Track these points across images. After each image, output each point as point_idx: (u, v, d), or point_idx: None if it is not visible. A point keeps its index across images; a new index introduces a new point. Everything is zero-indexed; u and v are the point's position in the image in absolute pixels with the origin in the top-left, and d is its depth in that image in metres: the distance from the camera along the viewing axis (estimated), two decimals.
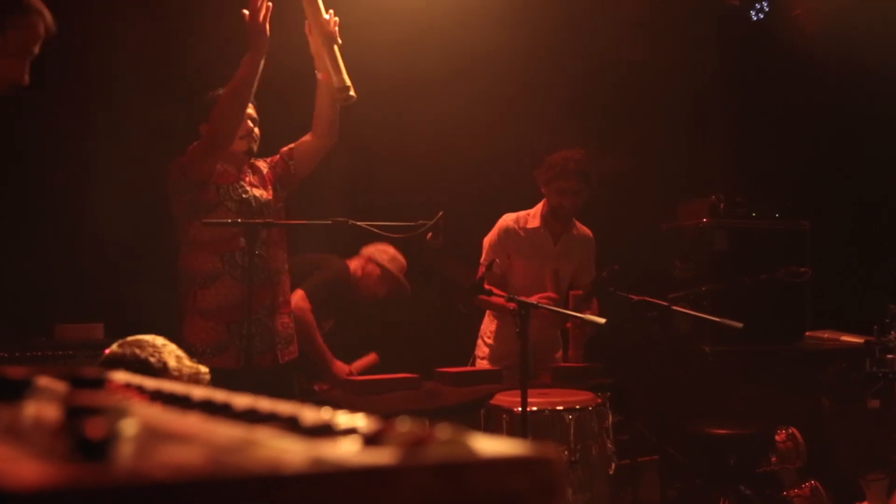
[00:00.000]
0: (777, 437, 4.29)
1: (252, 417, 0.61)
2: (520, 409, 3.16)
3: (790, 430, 4.37)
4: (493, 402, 3.39)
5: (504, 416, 3.28)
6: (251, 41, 3.13)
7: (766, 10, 5.70)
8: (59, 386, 0.76)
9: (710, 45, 5.45)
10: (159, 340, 1.82)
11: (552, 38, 5.02)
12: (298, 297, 3.74)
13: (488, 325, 4.19)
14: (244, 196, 3.34)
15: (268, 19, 3.14)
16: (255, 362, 3.17)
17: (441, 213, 3.32)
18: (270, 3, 3.15)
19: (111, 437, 0.43)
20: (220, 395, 0.71)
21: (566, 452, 3.20)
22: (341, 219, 3.28)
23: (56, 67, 4.05)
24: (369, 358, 4.16)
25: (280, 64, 3.36)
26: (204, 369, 1.85)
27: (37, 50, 2.23)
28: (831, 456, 4.36)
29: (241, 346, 3.14)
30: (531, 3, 4.92)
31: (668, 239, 5.15)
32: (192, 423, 0.56)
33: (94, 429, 0.43)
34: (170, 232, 3.56)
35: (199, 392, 0.75)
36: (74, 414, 0.47)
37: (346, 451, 0.47)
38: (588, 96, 5.07)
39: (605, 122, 5.02)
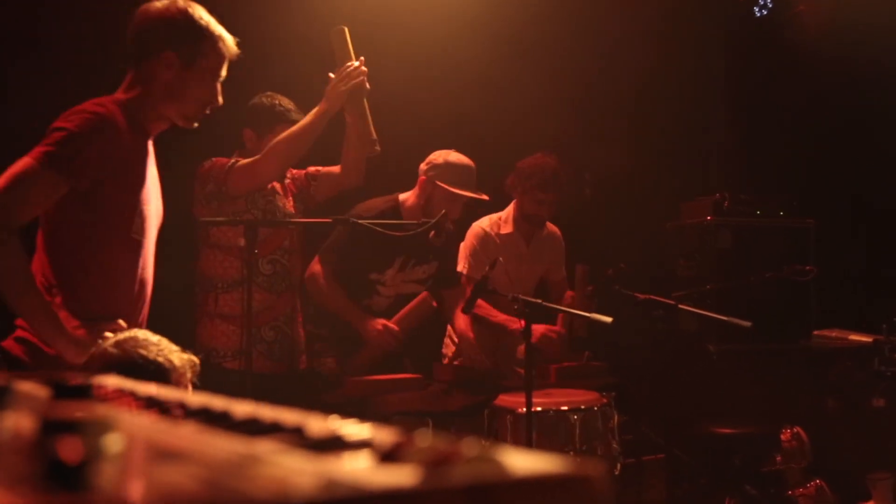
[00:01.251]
0: (782, 437, 4.25)
1: (253, 428, 0.55)
2: (524, 409, 3.11)
3: (795, 430, 4.33)
4: (497, 402, 3.33)
5: (508, 416, 3.23)
6: (328, 98, 3.19)
7: (770, 5, 5.64)
8: (42, 393, 0.70)
9: (714, 42, 5.40)
10: (153, 336, 1.72)
11: (557, 38, 4.98)
12: (311, 263, 3.61)
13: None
14: (270, 206, 3.36)
15: (351, 88, 3.21)
16: (272, 369, 3.19)
17: (444, 212, 3.27)
18: (361, 75, 3.22)
19: (90, 460, 0.38)
20: (218, 403, 0.65)
21: (571, 453, 3.14)
22: (343, 217, 3.24)
23: (56, 53, 3.98)
24: (419, 299, 3.69)
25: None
26: (195, 358, 1.78)
27: (224, 72, 2.42)
28: (836, 455, 4.32)
29: (262, 350, 3.15)
30: (536, 4, 4.87)
31: (671, 237, 5.10)
32: (186, 436, 0.51)
33: (68, 450, 0.37)
34: (171, 220, 3.53)
35: (196, 399, 0.70)
36: (49, 430, 0.41)
37: (362, 469, 0.42)
38: (592, 95, 5.01)
39: (609, 121, 4.96)
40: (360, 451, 0.46)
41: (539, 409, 3.15)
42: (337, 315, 3.62)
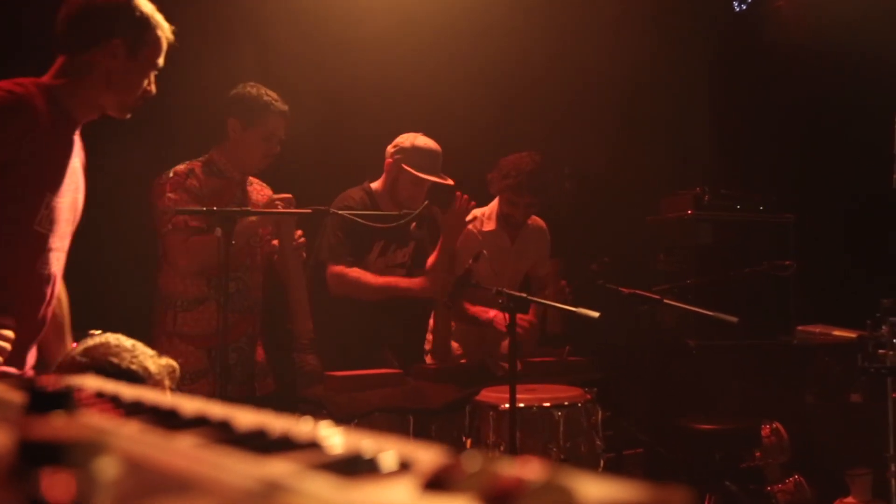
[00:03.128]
0: (762, 432, 4.24)
1: (262, 444, 0.48)
2: (506, 405, 3.05)
3: (774, 425, 4.32)
4: (479, 398, 3.27)
5: (491, 413, 3.16)
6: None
7: (749, 0, 5.63)
8: (16, 399, 0.62)
9: (696, 38, 5.37)
10: (126, 341, 1.56)
11: (541, 33, 4.93)
12: (328, 273, 3.52)
13: None
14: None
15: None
16: (230, 392, 3.05)
17: (426, 203, 3.21)
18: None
19: (81, 500, 0.30)
20: (216, 410, 0.58)
21: (555, 450, 3.09)
22: (322, 207, 3.16)
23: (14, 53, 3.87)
24: (439, 247, 3.59)
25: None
26: (174, 363, 1.66)
27: (162, 62, 2.34)
28: (815, 451, 4.32)
29: (218, 373, 3.01)
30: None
31: (651, 231, 5.07)
32: (189, 455, 0.43)
33: (55, 489, 0.29)
34: (131, 232, 3.43)
35: (189, 405, 0.62)
36: (30, 455, 0.34)
37: (405, 501, 0.35)
38: (573, 90, 4.97)
39: (589, 115, 4.91)
40: (397, 476, 0.39)
41: (522, 405, 3.09)
42: (386, 295, 3.54)
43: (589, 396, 3.27)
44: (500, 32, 4.76)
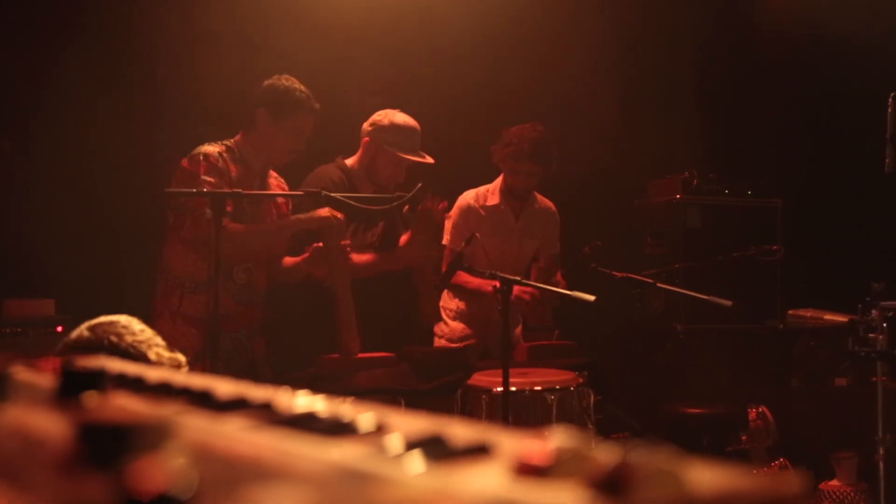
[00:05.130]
0: (748, 416, 4.26)
1: (320, 427, 0.45)
2: (499, 389, 3.04)
3: (760, 409, 4.34)
4: (471, 382, 3.25)
5: (483, 396, 3.15)
6: (306, 266, 3.23)
7: None
8: (42, 380, 0.58)
9: (684, 21, 5.35)
10: (136, 324, 1.49)
11: (524, 17, 4.89)
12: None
13: (448, 303, 4.07)
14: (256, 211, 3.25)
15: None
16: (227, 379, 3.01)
17: (420, 186, 3.17)
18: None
19: (173, 491, 0.27)
20: (252, 391, 0.55)
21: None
22: (315, 189, 3.11)
23: (12, 31, 3.80)
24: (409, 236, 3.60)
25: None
26: (181, 358, 1.60)
27: None
28: (801, 434, 4.35)
29: (218, 360, 2.97)
30: None
31: (639, 215, 5.06)
32: (251, 440, 0.40)
33: (143, 480, 0.26)
34: (126, 206, 3.36)
35: (221, 386, 0.59)
36: (95, 439, 0.30)
37: (506, 489, 0.32)
38: (562, 72, 4.93)
39: (578, 98, 4.89)
40: (481, 460, 0.37)
41: (514, 388, 3.08)
42: (370, 272, 3.52)
43: (581, 380, 3.26)
44: (490, 15, 4.72)
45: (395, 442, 0.39)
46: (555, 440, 0.35)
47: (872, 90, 3.76)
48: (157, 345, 1.46)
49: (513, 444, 0.38)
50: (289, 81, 3.23)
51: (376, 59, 4.52)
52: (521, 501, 0.30)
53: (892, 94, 3.45)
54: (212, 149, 3.15)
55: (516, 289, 3.55)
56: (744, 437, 4.29)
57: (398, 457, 0.37)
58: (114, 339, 1.41)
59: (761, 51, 5.35)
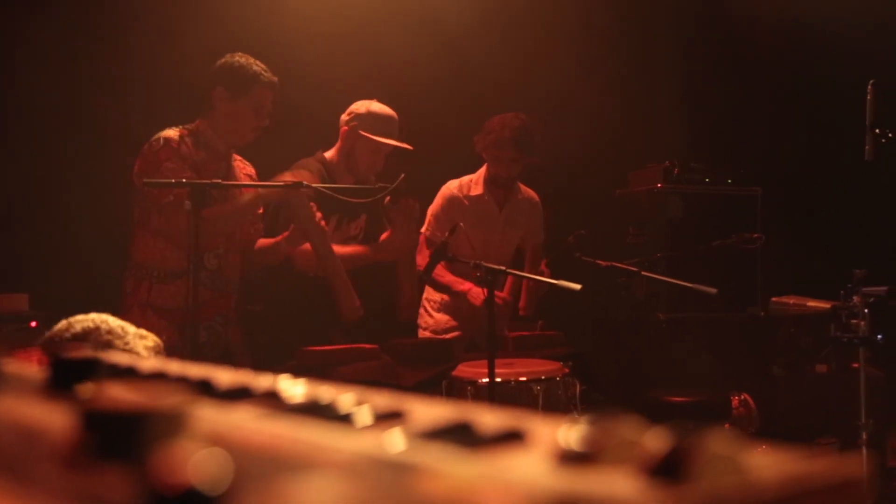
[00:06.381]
0: (731, 404, 4.27)
1: (333, 415, 0.42)
2: (484, 380, 3.02)
3: (743, 396, 4.36)
4: (456, 373, 3.23)
5: (469, 387, 3.13)
6: (287, 244, 3.21)
7: None
8: (30, 371, 0.55)
9: (666, 11, 5.35)
10: (113, 321, 1.42)
11: (508, 5, 4.87)
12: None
13: (432, 294, 4.05)
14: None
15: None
16: None
17: (402, 176, 3.14)
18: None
19: (205, 487, 0.24)
20: (252, 379, 0.52)
21: None
22: (295, 181, 3.07)
23: None
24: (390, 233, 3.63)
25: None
26: (158, 339, 1.56)
27: None
28: (784, 421, 4.38)
29: (190, 352, 2.91)
30: None
31: (621, 205, 5.06)
32: (272, 429, 0.37)
33: (168, 472, 0.23)
34: (99, 199, 3.30)
35: (220, 374, 0.56)
36: (104, 429, 0.27)
37: (554, 477, 0.29)
38: (543, 62, 4.91)
39: (557, 87, 4.87)
40: (520, 448, 0.34)
41: (500, 379, 3.06)
42: (350, 265, 3.46)
43: (567, 370, 3.25)
44: (474, 6, 4.69)
45: (419, 430, 0.36)
46: (598, 424, 0.33)
47: (852, 78, 3.77)
48: (139, 336, 1.42)
49: (546, 430, 0.35)
50: (243, 58, 3.18)
51: (359, 52, 4.48)
52: (577, 490, 0.27)
53: (871, 82, 3.46)
54: (172, 133, 3.08)
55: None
56: (727, 425, 4.30)
57: (427, 445, 0.34)
58: (104, 344, 1.37)
59: (742, 40, 5.36)
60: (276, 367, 3.21)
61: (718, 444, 0.31)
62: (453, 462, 0.30)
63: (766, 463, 0.31)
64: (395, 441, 0.34)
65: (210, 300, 3.13)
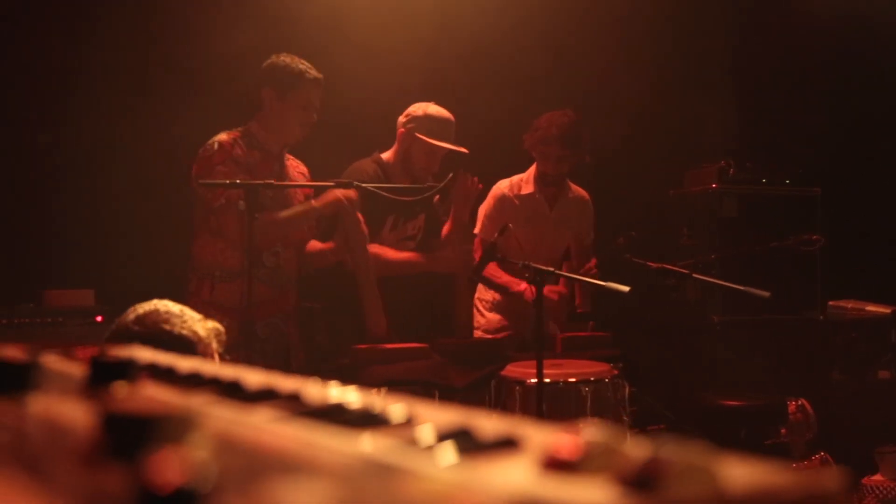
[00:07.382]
0: (787, 409, 4.19)
1: (348, 419, 0.45)
2: (533, 380, 3.02)
3: (800, 402, 4.27)
4: (505, 373, 3.24)
5: (517, 388, 3.13)
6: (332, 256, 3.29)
7: None
8: (72, 369, 0.59)
9: (719, 7, 5.26)
10: (174, 306, 1.54)
11: (557, 7, 4.85)
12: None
13: (484, 294, 4.05)
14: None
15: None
16: (264, 368, 3.03)
17: (451, 176, 3.16)
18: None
19: (192, 483, 0.26)
20: (282, 382, 0.55)
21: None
22: (345, 181, 3.12)
23: (42, 25, 3.87)
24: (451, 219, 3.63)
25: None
26: (220, 326, 1.64)
27: None
28: (843, 428, 4.27)
29: (253, 348, 3.01)
30: None
31: (675, 205, 5.00)
32: (276, 431, 0.40)
33: (163, 472, 0.25)
34: (165, 200, 3.40)
35: (251, 376, 0.59)
36: (119, 431, 0.30)
37: (534, 484, 0.31)
38: (594, 60, 4.88)
39: (611, 87, 4.84)
40: (509, 454, 0.36)
41: (549, 380, 3.06)
42: (407, 271, 3.54)
43: (616, 372, 3.23)
44: (520, 3, 4.68)
45: (422, 434, 0.38)
46: (584, 434, 0.34)
47: None
48: (198, 319, 1.51)
49: (542, 437, 0.37)
50: (288, 57, 3.26)
51: (416, 52, 4.52)
52: (548, 497, 0.29)
53: None
54: (225, 137, 3.18)
55: (545, 289, 3.54)
56: (783, 431, 4.22)
57: (425, 450, 0.36)
58: (165, 326, 1.46)
59: (799, 36, 5.24)
60: (330, 365, 3.29)
61: (694, 455, 0.32)
62: (441, 467, 0.32)
63: (740, 474, 0.32)
64: (391, 446, 0.36)
65: (270, 297, 3.21)
